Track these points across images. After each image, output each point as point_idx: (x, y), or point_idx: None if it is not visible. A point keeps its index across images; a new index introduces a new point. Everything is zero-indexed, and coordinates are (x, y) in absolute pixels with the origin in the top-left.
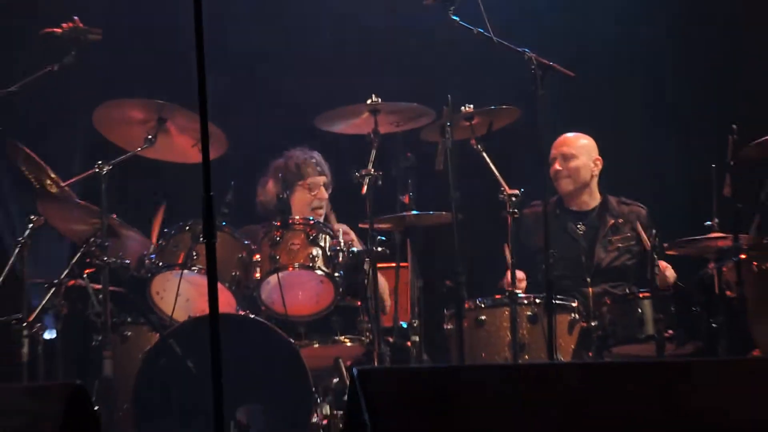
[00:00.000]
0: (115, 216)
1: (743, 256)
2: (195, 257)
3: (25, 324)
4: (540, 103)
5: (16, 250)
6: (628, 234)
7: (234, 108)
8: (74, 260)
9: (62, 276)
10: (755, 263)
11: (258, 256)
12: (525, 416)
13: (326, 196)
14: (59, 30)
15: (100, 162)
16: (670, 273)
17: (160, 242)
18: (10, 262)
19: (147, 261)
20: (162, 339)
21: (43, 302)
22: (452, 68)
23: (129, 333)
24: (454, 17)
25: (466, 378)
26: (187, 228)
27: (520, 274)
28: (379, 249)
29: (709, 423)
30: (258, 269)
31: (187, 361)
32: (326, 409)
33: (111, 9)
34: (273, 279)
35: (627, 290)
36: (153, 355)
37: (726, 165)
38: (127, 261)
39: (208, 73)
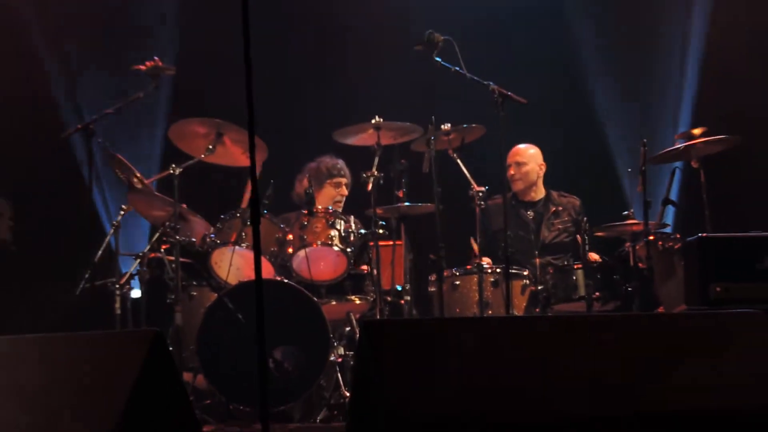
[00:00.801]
0: (185, 205)
1: (651, 238)
2: (244, 236)
3: (117, 286)
4: (501, 122)
5: (111, 231)
6: (566, 219)
7: (272, 124)
8: (154, 239)
9: (145, 250)
10: (660, 243)
11: (291, 236)
12: (489, 353)
13: (346, 193)
14: (144, 67)
15: (173, 165)
16: (594, 257)
17: (217, 225)
18: (107, 239)
19: (208, 239)
20: (219, 297)
21: (131, 270)
22: (435, 95)
23: (194, 293)
24: (437, 59)
25: (445, 327)
26: (238, 215)
27: (486, 260)
28: (380, 231)
29: (625, 356)
30: (290, 246)
31: (237, 314)
32: (340, 350)
33: (182, 48)
34: (302, 253)
35: (565, 262)
36: (212, 310)
37: (639, 169)
38: (193, 239)
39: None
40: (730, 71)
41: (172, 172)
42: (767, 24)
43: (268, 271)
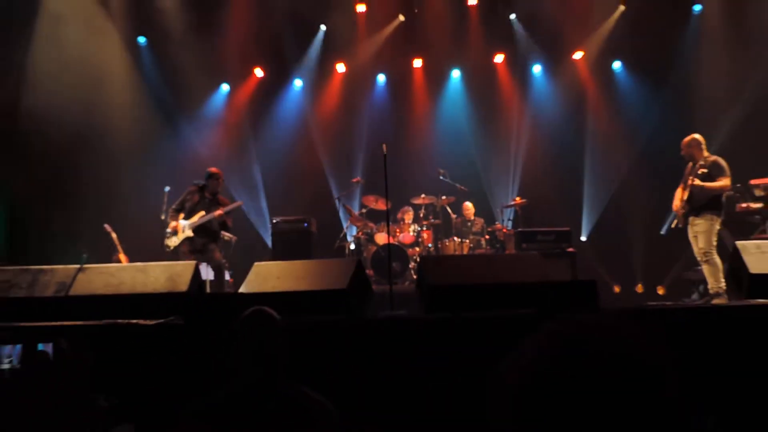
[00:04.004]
0: (369, 222)
1: (505, 230)
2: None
3: (345, 246)
4: (460, 195)
5: (345, 229)
6: (479, 225)
7: (391, 196)
8: (358, 231)
9: (354, 234)
10: (507, 231)
11: (398, 230)
12: (461, 265)
13: (412, 217)
14: (354, 181)
15: (362, 209)
16: (486, 237)
17: (377, 226)
18: (344, 231)
19: (374, 230)
20: (377, 249)
21: (350, 242)
22: (441, 184)
23: (370, 247)
24: (441, 178)
25: (445, 257)
26: (382, 222)
27: (456, 238)
28: (423, 229)
29: (495, 265)
30: (398, 232)
31: (382, 252)
32: (412, 264)
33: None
34: (401, 234)
35: (479, 238)
36: (375, 252)
37: (500, 209)
38: (369, 230)
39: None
40: (533, 165)
41: (363, 211)
42: (558, 136)
43: (391, 240)
